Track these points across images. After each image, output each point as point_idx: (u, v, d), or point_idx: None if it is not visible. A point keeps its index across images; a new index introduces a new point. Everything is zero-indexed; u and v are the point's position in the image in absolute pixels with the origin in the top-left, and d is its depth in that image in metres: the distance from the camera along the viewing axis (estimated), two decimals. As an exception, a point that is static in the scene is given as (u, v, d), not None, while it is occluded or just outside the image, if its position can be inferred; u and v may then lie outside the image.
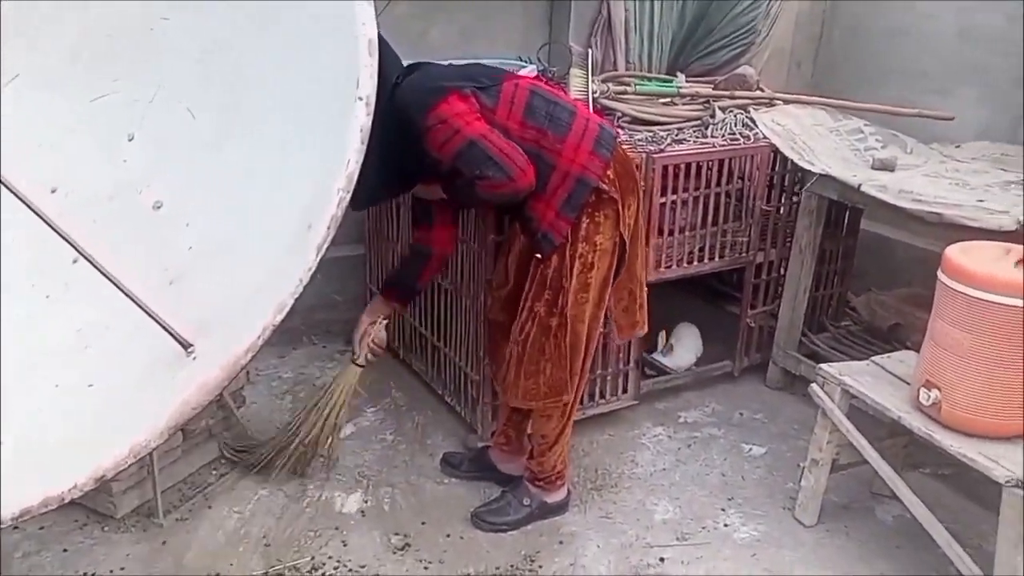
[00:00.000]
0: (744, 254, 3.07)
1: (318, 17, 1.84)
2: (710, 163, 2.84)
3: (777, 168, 3.05)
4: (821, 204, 2.94)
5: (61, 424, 1.73)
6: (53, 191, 2.06)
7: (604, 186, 2.13)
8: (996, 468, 2.01)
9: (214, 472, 2.61)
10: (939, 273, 2.13)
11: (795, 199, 3.09)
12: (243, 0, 1.96)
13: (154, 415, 1.59)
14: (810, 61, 3.94)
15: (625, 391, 2.99)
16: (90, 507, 2.39)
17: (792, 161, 2.89)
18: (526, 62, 3.02)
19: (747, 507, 2.60)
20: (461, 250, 2.68)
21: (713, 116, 2.94)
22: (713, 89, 3.10)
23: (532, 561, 2.33)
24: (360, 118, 1.67)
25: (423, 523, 2.46)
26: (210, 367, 1.60)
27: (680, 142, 2.84)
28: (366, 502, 2.53)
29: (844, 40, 3.84)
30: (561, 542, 2.42)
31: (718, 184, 2.89)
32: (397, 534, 2.41)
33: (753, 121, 2.96)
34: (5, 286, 1.97)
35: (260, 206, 1.81)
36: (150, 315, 1.73)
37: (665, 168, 2.73)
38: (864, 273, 3.47)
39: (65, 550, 2.28)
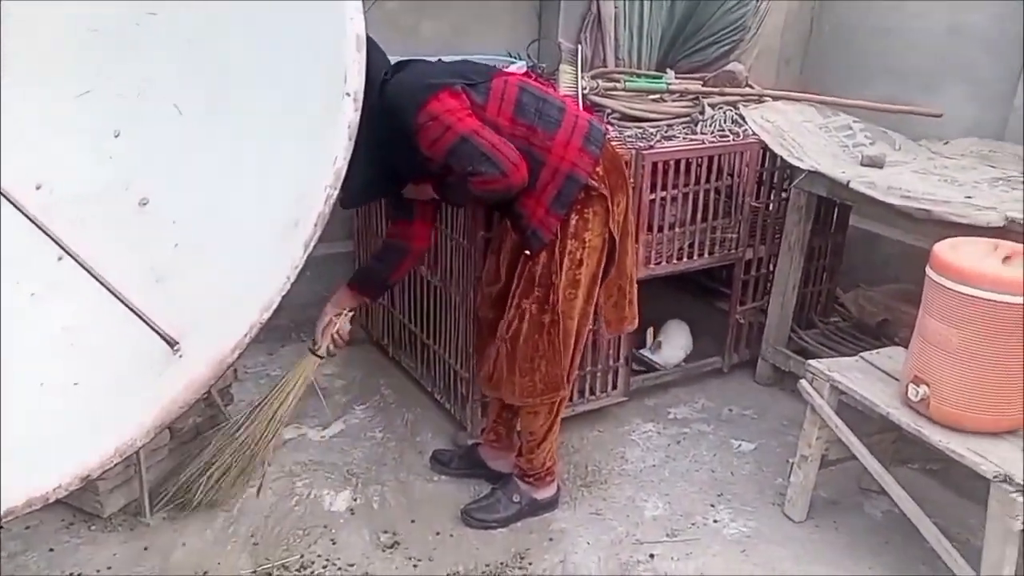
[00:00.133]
0: (733, 250, 3.07)
1: (305, 13, 1.82)
2: (699, 160, 2.84)
3: (766, 165, 3.06)
4: (810, 200, 2.94)
5: (45, 423, 1.72)
6: (38, 188, 2.05)
7: (594, 183, 2.13)
8: (984, 463, 2.01)
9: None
10: (927, 269, 2.13)
11: (784, 196, 3.09)
12: (229, -3, 1.95)
13: (140, 413, 1.58)
14: (799, 58, 3.95)
15: (615, 387, 2.99)
16: (76, 506, 2.37)
17: (781, 158, 2.90)
18: (515, 58, 3.01)
19: (736, 503, 2.60)
20: (450, 247, 2.67)
21: (702, 113, 2.94)
22: (702, 86, 3.10)
23: (522, 558, 2.33)
24: (348, 114, 1.66)
25: (412, 521, 2.45)
26: (197, 365, 1.59)
27: (669, 139, 2.84)
28: (355, 500, 2.52)
29: (833, 37, 3.85)
30: (551, 539, 2.41)
31: (707, 181, 2.89)
32: (386, 532, 2.40)
33: (742, 118, 2.96)
34: (-11, 283, 1.96)
35: (247, 203, 1.80)
36: (136, 313, 1.72)
37: (655, 165, 2.73)
38: (852, 269, 3.48)
39: (51, 550, 2.26)
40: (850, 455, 2.37)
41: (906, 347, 2.29)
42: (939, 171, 2.77)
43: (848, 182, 2.65)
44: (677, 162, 2.78)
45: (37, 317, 1.92)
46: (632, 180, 2.67)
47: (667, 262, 2.92)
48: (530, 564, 2.31)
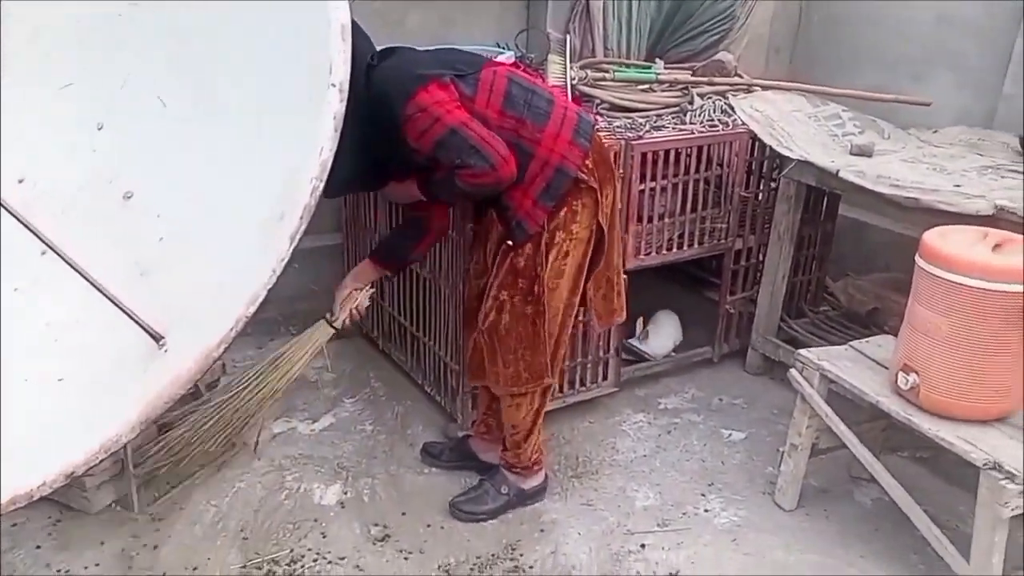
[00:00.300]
0: (723, 240, 3.07)
1: (290, 2, 1.80)
2: (688, 150, 2.83)
3: (756, 154, 3.05)
4: (799, 190, 2.94)
5: (29, 419, 1.70)
6: (20, 181, 2.03)
7: (583, 175, 2.11)
8: (974, 451, 2.02)
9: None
10: (917, 258, 2.13)
11: (773, 185, 3.09)
12: (213, -15, 1.93)
13: (125, 409, 1.57)
14: (788, 47, 3.94)
15: (605, 378, 2.98)
16: (64, 503, 2.35)
17: (770, 147, 2.89)
18: (504, 48, 2.99)
19: (727, 492, 2.60)
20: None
21: (691, 103, 2.92)
22: (692, 76, 3.09)
23: (513, 550, 2.32)
24: (333, 105, 1.65)
25: (403, 513, 2.44)
26: (183, 360, 1.58)
27: (659, 129, 2.82)
28: (346, 493, 2.51)
29: (822, 26, 3.84)
30: (542, 530, 2.41)
31: (697, 171, 2.88)
32: (377, 525, 2.39)
33: (731, 107, 2.95)
34: (-29, 279, 1.94)
35: (232, 195, 1.79)
36: (120, 308, 1.71)
37: (644, 155, 2.72)
38: (842, 258, 3.48)
39: (39, 547, 2.25)
40: (840, 444, 2.37)
41: (895, 336, 2.29)
42: (928, 159, 2.77)
43: (837, 171, 2.65)
44: (666, 152, 2.77)
45: (21, 313, 1.90)
46: (621, 171, 2.67)
47: (657, 252, 2.91)
48: (521, 555, 2.31)
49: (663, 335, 3.21)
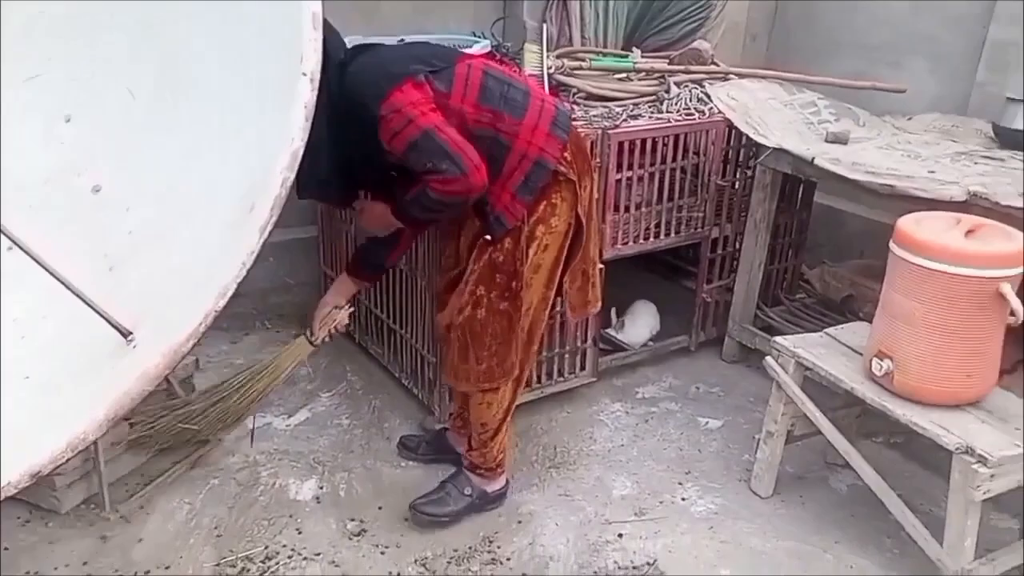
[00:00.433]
0: (700, 229, 3.07)
1: (258, -11, 1.77)
2: (665, 139, 2.82)
3: (732, 143, 3.05)
4: (775, 178, 2.94)
5: (-6, 418, 1.66)
6: (-15, 175, 1.98)
7: (562, 168, 2.08)
8: (946, 435, 2.03)
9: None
10: (891, 244, 2.14)
11: (750, 174, 3.09)
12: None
13: (92, 406, 1.54)
14: (765, 35, 3.94)
15: (583, 368, 2.98)
16: (33, 503, 2.31)
17: (747, 135, 2.89)
18: (480, 37, 2.96)
19: (704, 480, 2.61)
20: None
21: (668, 91, 2.91)
22: (668, 64, 3.08)
23: (490, 542, 2.31)
24: (304, 95, 1.62)
25: (380, 508, 2.42)
26: (151, 355, 1.55)
27: (635, 118, 2.81)
28: (321, 488, 2.49)
29: (798, 14, 3.85)
30: (520, 521, 2.40)
31: (674, 160, 2.87)
32: (353, 519, 2.37)
33: (708, 96, 2.94)
34: (-66, 275, 1.89)
35: (201, 187, 1.76)
36: (88, 303, 1.67)
37: (620, 144, 2.70)
38: (818, 246, 3.50)
39: (7, 548, 2.20)
40: (815, 430, 2.38)
41: (870, 322, 2.30)
42: (903, 146, 2.78)
43: (812, 159, 2.65)
44: (643, 141, 2.76)
45: (-14, 309, 1.86)
46: (598, 160, 2.66)
47: (634, 242, 2.91)
48: (499, 547, 2.30)
49: (640, 324, 3.21)
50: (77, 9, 2.06)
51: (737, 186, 3.14)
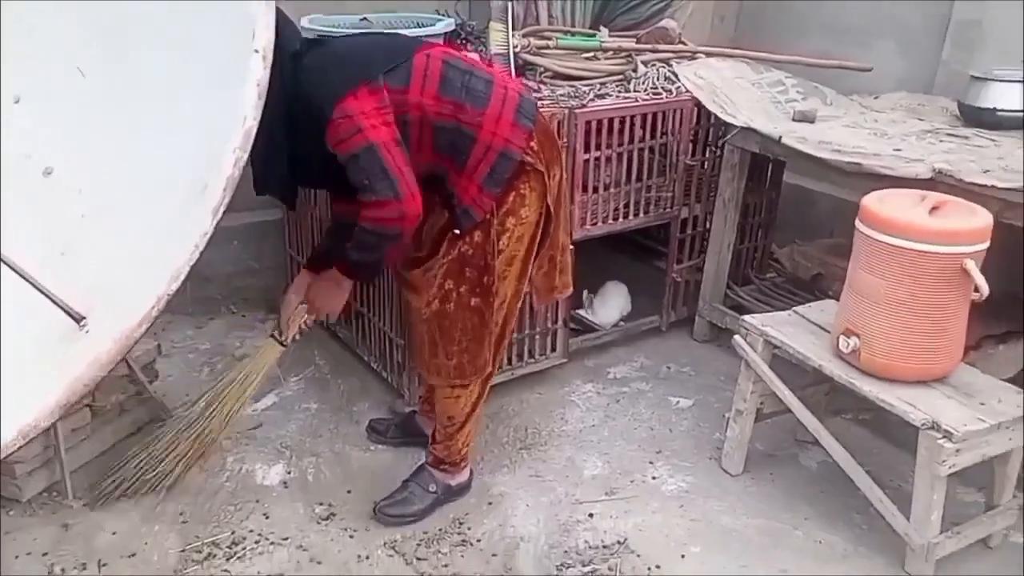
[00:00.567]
0: (669, 209, 3.06)
1: (210, -37, 1.72)
2: (633, 118, 2.80)
3: (701, 122, 3.03)
4: (743, 157, 2.93)
5: (-57, 406, 1.61)
6: (-68, 159, 1.91)
7: (529, 159, 2.02)
8: (913, 411, 2.04)
9: (128, 449, 2.49)
10: (857, 222, 2.14)
11: (719, 153, 3.08)
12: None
13: (44, 393, 1.50)
14: (732, 15, 3.93)
15: (554, 350, 2.96)
16: (-8, 491, 2.27)
17: (715, 115, 2.87)
18: (444, 16, 2.92)
19: (675, 459, 2.61)
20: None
21: (635, 70, 2.89)
22: (636, 43, 3.05)
23: (461, 524, 2.30)
24: (256, 72, 1.58)
25: (348, 491, 2.40)
26: (103, 341, 1.51)
27: (602, 97, 2.79)
28: (289, 473, 2.47)
29: (766, -6, 3.84)
30: (490, 503, 2.39)
31: (641, 139, 2.85)
32: (321, 504, 2.35)
33: (675, 75, 2.92)
34: None
35: (154, 168, 1.71)
36: (38, 288, 1.63)
37: (588, 124, 2.68)
38: (787, 225, 3.51)
39: (-34, 538, 2.17)
40: (784, 408, 2.39)
41: (839, 300, 2.30)
42: (869, 125, 2.78)
43: (780, 137, 2.65)
44: (610, 121, 2.73)
45: (-67, 295, 1.80)
46: (565, 140, 2.63)
47: (603, 222, 2.89)
48: (469, 529, 2.29)
49: (610, 305, 3.20)
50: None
51: (706, 166, 3.13)
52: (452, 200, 2.03)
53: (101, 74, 1.88)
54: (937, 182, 2.31)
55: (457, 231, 2.04)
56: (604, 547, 2.25)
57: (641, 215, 2.99)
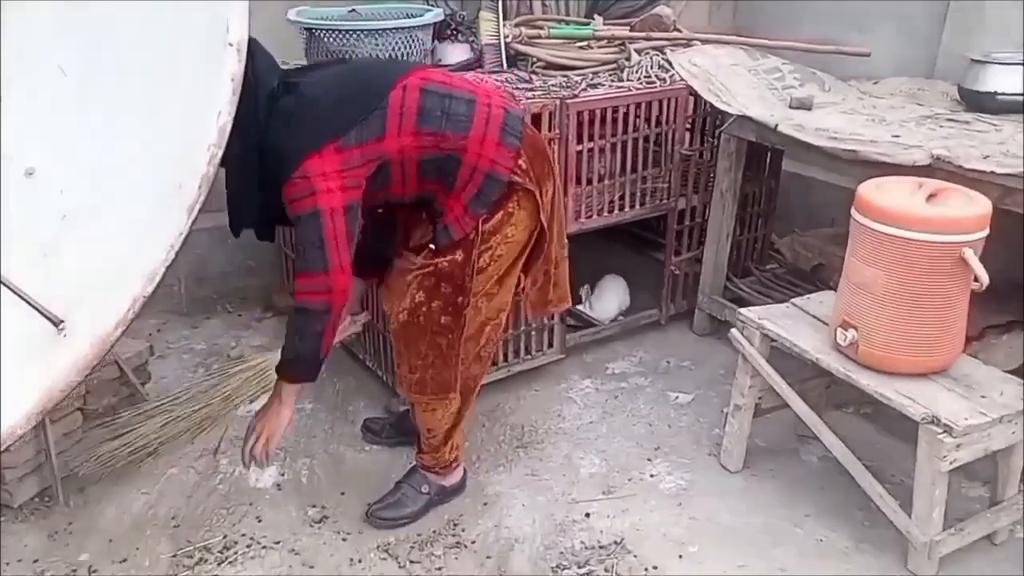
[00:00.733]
0: (665, 200, 3.01)
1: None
2: (626, 108, 2.75)
3: (697, 111, 2.99)
4: (740, 146, 2.88)
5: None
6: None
7: (517, 179, 1.96)
8: (912, 405, 2.00)
9: (121, 453, 2.47)
10: (852, 211, 2.10)
11: (716, 142, 3.03)
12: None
13: (21, 399, 1.47)
14: (731, 1, 3.87)
15: (551, 345, 2.93)
16: (-17, 497, 2.25)
17: (710, 103, 2.82)
18: (432, 6, 2.88)
19: (673, 456, 2.57)
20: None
21: (629, 59, 2.84)
22: (630, 31, 3.00)
23: (455, 525, 2.27)
24: (231, 66, 1.54)
25: (342, 493, 2.38)
26: (80, 345, 1.48)
27: (595, 87, 2.74)
28: (283, 475, 2.44)
29: (765, -22, 3.78)
30: (485, 503, 2.36)
31: (636, 129, 2.81)
32: (315, 506, 2.33)
33: (669, 63, 2.87)
34: None
35: (130, 167, 1.67)
36: (16, 292, 1.59)
37: (580, 114, 2.64)
38: (789, 214, 3.46)
39: (-44, 544, 2.15)
40: (783, 403, 2.34)
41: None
42: (868, 111, 2.73)
43: (776, 125, 2.60)
44: (603, 111, 2.69)
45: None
46: (557, 131, 2.59)
47: (598, 215, 2.85)
48: (463, 530, 2.26)
49: (608, 299, 3.16)
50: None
51: (703, 155, 3.08)
52: (436, 215, 1.99)
53: (79, 71, 1.85)
54: (935, 169, 2.26)
55: (433, 246, 1.99)
56: (600, 547, 2.22)
57: (637, 207, 2.94)
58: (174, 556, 2.14)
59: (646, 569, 2.14)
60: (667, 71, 2.86)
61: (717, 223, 3.04)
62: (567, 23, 3.07)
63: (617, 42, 2.93)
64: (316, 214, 1.80)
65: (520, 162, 1.97)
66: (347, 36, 2.53)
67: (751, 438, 2.49)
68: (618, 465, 2.53)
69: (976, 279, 1.95)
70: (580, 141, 2.68)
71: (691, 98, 2.91)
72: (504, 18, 2.83)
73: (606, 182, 2.83)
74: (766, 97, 2.81)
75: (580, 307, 3.13)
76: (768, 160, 3.19)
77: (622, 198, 2.89)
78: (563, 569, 2.13)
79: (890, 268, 2.01)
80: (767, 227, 3.34)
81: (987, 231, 1.97)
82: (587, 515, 2.32)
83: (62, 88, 1.90)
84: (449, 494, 2.35)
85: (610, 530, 2.27)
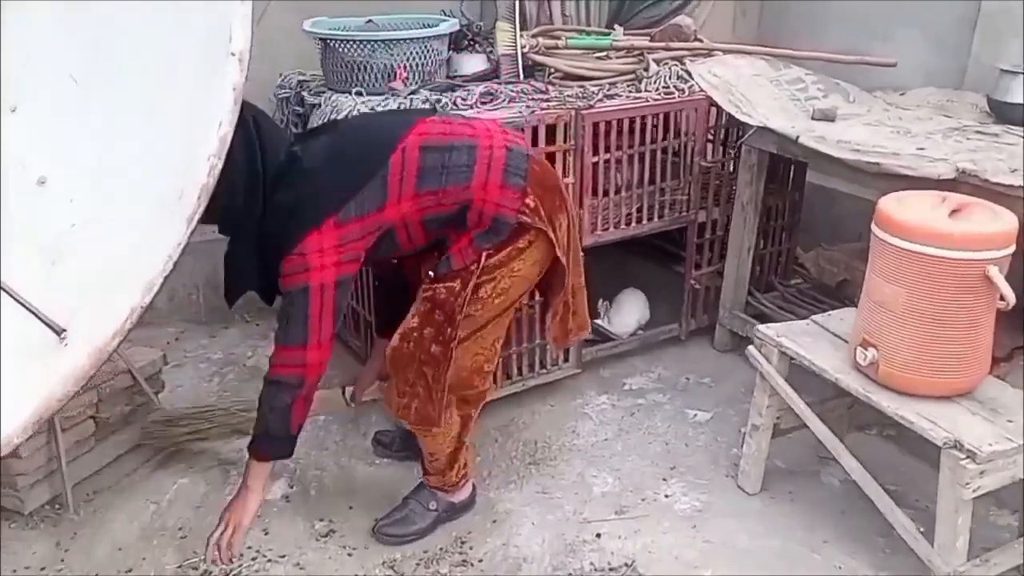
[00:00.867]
0: (684, 213, 2.95)
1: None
2: (643, 118, 2.71)
3: (717, 122, 2.93)
4: (762, 158, 2.82)
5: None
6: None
7: (526, 219, 1.94)
8: (933, 429, 1.92)
9: (132, 462, 2.48)
10: (872, 225, 2.03)
11: (737, 154, 2.97)
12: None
13: (19, 408, 1.46)
14: (756, 10, 3.81)
15: (567, 360, 2.89)
16: (-5, 504, 2.27)
17: (729, 114, 2.77)
18: (448, 16, 2.86)
19: (690, 476, 2.51)
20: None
21: (647, 69, 2.80)
22: (649, 41, 2.96)
23: (463, 543, 2.23)
24: (232, 76, 1.53)
25: (350, 507, 2.35)
26: (78, 355, 1.47)
27: (612, 97, 2.70)
28: (292, 487, 2.42)
29: (790, -12, 3.71)
30: (495, 520, 2.32)
31: (653, 141, 2.76)
32: (322, 520, 2.30)
33: (688, 73, 2.82)
34: None
35: (135, 176, 1.67)
36: (17, 299, 1.59)
37: (596, 125, 2.60)
38: (814, 228, 3.38)
39: (-35, 550, 2.16)
40: (803, 423, 2.27)
41: (860, 309, 2.19)
42: (893, 123, 2.65)
43: (797, 137, 2.54)
44: (620, 122, 2.65)
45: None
46: (572, 142, 2.56)
47: (614, 228, 2.80)
48: (471, 548, 2.22)
49: (626, 314, 3.11)
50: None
51: (724, 167, 3.03)
52: (442, 245, 1.99)
53: (86, 80, 1.86)
54: (961, 182, 2.19)
55: (431, 273, 1.97)
56: (611, 569, 2.16)
57: (655, 219, 2.89)
58: (179, 567, 2.13)
59: (656, 592, 2.09)
60: (686, 82, 2.81)
61: (738, 236, 2.97)
62: (587, 33, 3.04)
63: (636, 52, 2.88)
64: (305, 290, 1.82)
65: (527, 201, 1.95)
66: (363, 46, 2.52)
67: (770, 459, 2.43)
68: (632, 484, 2.47)
69: (1002, 298, 1.87)
70: (596, 152, 2.64)
71: (711, 109, 2.85)
72: (523, 28, 2.80)
73: (623, 194, 2.79)
74: (788, 108, 2.75)
75: (598, 321, 3.08)
76: (792, 172, 3.12)
77: (639, 210, 2.84)
78: (571, 591, 2.09)
79: (911, 285, 1.94)
80: (791, 241, 3.27)
81: (1014, 248, 1.89)
82: (598, 535, 2.27)
83: (70, 97, 1.92)
84: (458, 511, 2.31)
85: (621, 551, 2.22)
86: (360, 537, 2.24)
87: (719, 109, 2.84)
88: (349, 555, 2.19)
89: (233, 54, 1.54)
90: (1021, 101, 2.53)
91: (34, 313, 1.61)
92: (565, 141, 2.54)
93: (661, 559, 2.19)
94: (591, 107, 2.59)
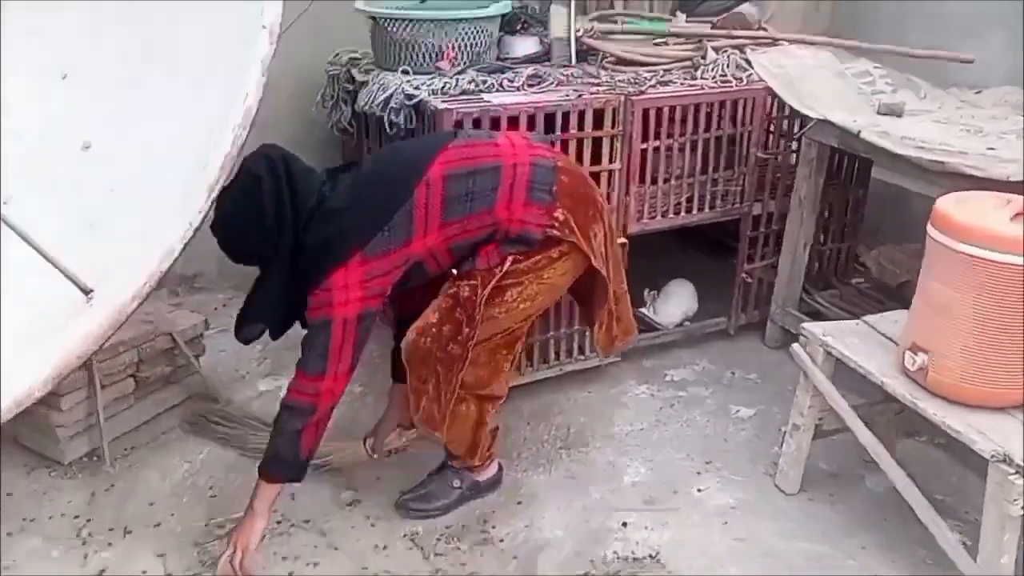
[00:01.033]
0: (738, 204, 2.87)
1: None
2: (697, 107, 2.63)
3: (778, 113, 2.83)
4: (822, 151, 2.71)
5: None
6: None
7: (555, 232, 1.95)
8: (982, 440, 1.82)
9: (169, 421, 2.54)
10: (928, 226, 1.93)
11: (795, 146, 2.86)
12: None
13: (42, 363, 1.51)
14: (829, 7, 3.66)
15: (608, 347, 2.83)
16: (39, 452, 2.35)
17: (790, 105, 2.67)
18: (494, -1, 2.82)
19: (726, 471, 2.44)
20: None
21: (704, 57, 2.71)
22: (711, 28, 2.87)
23: (485, 522, 2.22)
24: (262, 48, 1.55)
25: (378, 478, 2.36)
26: (97, 315, 1.51)
27: (666, 84, 2.63)
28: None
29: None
30: (520, 502, 2.30)
31: (707, 129, 2.68)
32: (349, 489, 2.32)
33: (748, 62, 2.73)
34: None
35: (170, 145, 1.71)
36: (50, 261, 1.64)
37: (645, 112, 2.53)
38: (882, 226, 3.24)
39: (9, 494, 2.24)
40: (845, 425, 2.19)
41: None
42: (964, 121, 2.52)
43: (859, 131, 2.43)
44: (672, 109, 2.58)
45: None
46: (620, 127, 2.50)
47: (662, 216, 2.74)
48: (493, 527, 2.20)
49: (673, 304, 3.04)
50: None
51: (782, 160, 2.92)
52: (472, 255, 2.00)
53: (136, 52, 1.91)
54: (1031, 185, 2.06)
55: (455, 271, 1.99)
56: (634, 559, 2.12)
57: (706, 210, 2.81)
58: (206, 525, 2.17)
59: (677, 587, 2.04)
60: (745, 71, 2.72)
61: (794, 231, 2.87)
62: (652, 19, 2.97)
63: (695, 40, 2.80)
64: (327, 323, 1.87)
65: (556, 214, 1.95)
66: (411, 25, 2.51)
67: (813, 460, 2.35)
68: (665, 476, 2.42)
69: (1063, 308, 1.75)
70: (645, 139, 2.57)
71: (770, 99, 2.75)
72: (581, 13, 2.75)
73: (672, 182, 2.72)
74: (852, 102, 2.63)
75: (643, 310, 3.02)
76: (855, 168, 2.99)
77: (690, 200, 2.77)
78: (590, 579, 2.05)
79: (967, 291, 1.84)
80: (853, 238, 3.14)
81: (1080, 255, 1.77)
82: (624, 524, 2.23)
83: (119, 69, 1.97)
84: (483, 489, 2.30)
85: (647, 542, 2.17)
86: (385, 508, 2.25)
87: (778, 100, 2.74)
88: (372, 525, 2.20)
89: (264, 27, 1.55)
90: (1103, 102, 2.37)
91: (64, 273, 1.65)
92: (613, 126, 2.49)
93: (687, 553, 2.14)
94: (642, 93, 2.53)
